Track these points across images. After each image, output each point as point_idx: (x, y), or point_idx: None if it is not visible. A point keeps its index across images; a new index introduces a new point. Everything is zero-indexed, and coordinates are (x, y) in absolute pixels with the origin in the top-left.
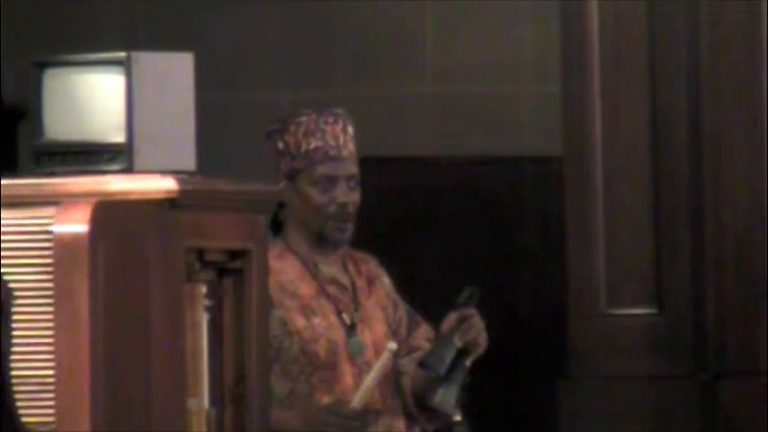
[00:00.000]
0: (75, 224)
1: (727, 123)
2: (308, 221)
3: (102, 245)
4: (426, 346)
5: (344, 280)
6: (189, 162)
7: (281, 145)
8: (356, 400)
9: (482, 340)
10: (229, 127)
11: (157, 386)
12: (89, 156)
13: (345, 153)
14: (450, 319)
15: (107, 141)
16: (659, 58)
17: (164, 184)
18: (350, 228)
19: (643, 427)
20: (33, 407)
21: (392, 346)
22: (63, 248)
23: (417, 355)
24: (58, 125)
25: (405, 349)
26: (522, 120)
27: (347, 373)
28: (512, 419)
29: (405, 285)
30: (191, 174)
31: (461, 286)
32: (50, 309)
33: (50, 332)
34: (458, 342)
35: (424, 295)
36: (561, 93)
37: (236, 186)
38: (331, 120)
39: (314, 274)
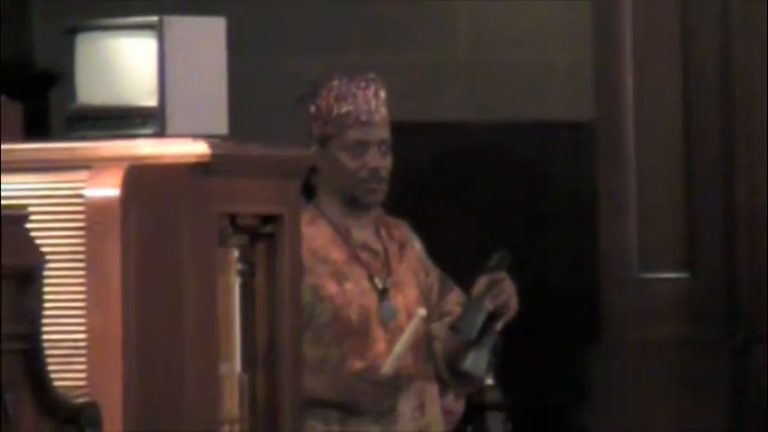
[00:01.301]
0: (107, 188)
1: (760, 86)
2: (339, 186)
3: (133, 209)
4: (458, 310)
5: (377, 245)
6: (221, 126)
7: (312, 109)
8: (387, 367)
9: (513, 303)
10: (260, 94)
11: (190, 350)
12: (121, 120)
13: (377, 118)
14: (481, 282)
15: (139, 105)
16: (691, 23)
17: (196, 149)
18: (382, 191)
19: (674, 392)
20: (65, 371)
21: (422, 311)
22: (94, 212)
23: (449, 319)
24: (90, 90)
25: (437, 314)
26: (554, 86)
27: (380, 338)
28: (543, 384)
29: (435, 249)
30: (222, 138)
31: (492, 251)
32: (82, 273)
33: (82, 296)
34: (489, 305)
35: (455, 259)
36: (593, 58)
37: (268, 151)
38: (363, 84)
39: (346, 239)
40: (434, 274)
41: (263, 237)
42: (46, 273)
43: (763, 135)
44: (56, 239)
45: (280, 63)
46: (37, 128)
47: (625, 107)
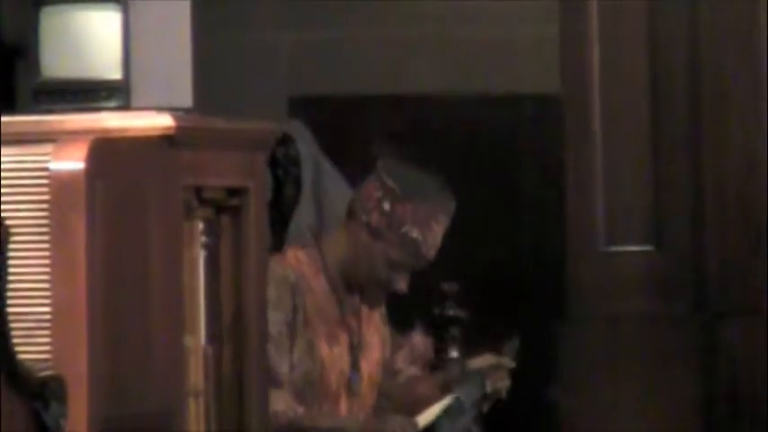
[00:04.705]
0: (72, 161)
1: (728, 60)
2: (356, 270)
3: (98, 182)
4: (407, 369)
5: (357, 307)
6: (186, 99)
7: (386, 206)
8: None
9: (504, 394)
10: (228, 68)
11: (155, 323)
12: (86, 93)
13: (431, 255)
14: (489, 358)
15: (104, 79)
16: None
17: (161, 121)
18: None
19: (643, 366)
20: (30, 344)
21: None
22: (59, 186)
23: (439, 379)
24: (56, 63)
25: (386, 371)
26: (524, 61)
27: (344, 405)
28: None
29: None
30: (188, 111)
31: (459, 224)
32: (47, 246)
33: (47, 269)
34: (488, 387)
35: None
36: (560, 33)
37: (234, 124)
38: (442, 219)
39: (339, 301)
40: (388, 331)
41: (229, 210)
42: (11, 246)
43: (732, 107)
44: (21, 212)
45: (248, 37)
46: (3, 102)
47: (591, 81)
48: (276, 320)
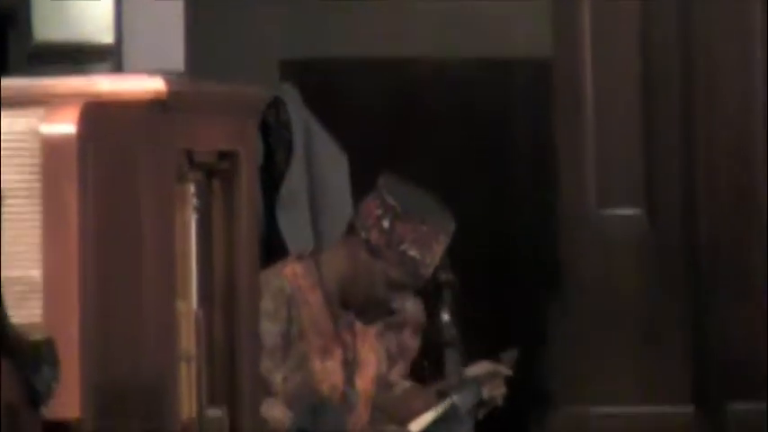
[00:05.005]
0: (63, 125)
1: (719, 26)
2: (353, 287)
3: (90, 145)
4: (402, 383)
5: (352, 323)
6: (177, 63)
7: (386, 223)
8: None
9: (500, 401)
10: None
11: (147, 287)
12: (78, 57)
13: (429, 273)
14: (486, 366)
15: (96, 43)
16: None
17: (152, 85)
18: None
19: (634, 330)
20: (22, 308)
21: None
22: (51, 150)
23: (435, 390)
24: (47, 28)
25: (382, 384)
26: (514, 25)
27: None
28: (501, 324)
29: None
30: (180, 75)
31: (451, 187)
32: (39, 210)
33: (39, 233)
34: (485, 394)
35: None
36: None
37: (226, 88)
38: (442, 239)
39: (335, 316)
40: (384, 347)
41: (220, 173)
42: (2, 209)
43: (723, 73)
44: (12, 176)
45: (239, 1)
46: None
47: (582, 46)
48: (271, 332)
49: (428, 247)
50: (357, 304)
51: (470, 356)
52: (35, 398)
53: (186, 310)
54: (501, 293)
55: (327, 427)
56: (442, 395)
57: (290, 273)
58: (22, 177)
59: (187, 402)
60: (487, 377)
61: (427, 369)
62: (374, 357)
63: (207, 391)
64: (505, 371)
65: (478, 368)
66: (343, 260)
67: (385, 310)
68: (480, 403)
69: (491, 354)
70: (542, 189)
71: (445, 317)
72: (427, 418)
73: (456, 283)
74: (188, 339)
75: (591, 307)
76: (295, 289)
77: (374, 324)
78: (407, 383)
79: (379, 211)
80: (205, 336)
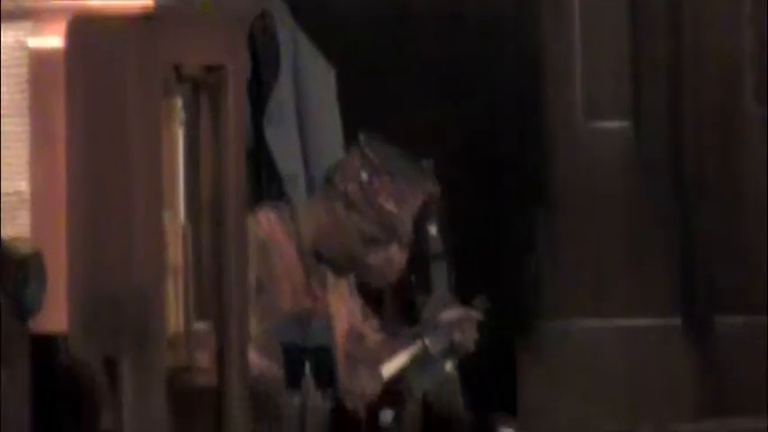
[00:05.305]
0: (51, 38)
1: None
2: (328, 241)
3: (77, 60)
4: (374, 335)
5: (324, 277)
6: None
7: (364, 176)
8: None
9: (470, 348)
10: None
11: (135, 201)
12: None
13: (404, 230)
14: (457, 311)
15: None
16: None
17: None
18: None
19: (620, 243)
20: (10, 222)
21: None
22: (39, 63)
23: (412, 330)
24: None
25: (356, 338)
26: None
27: None
28: (489, 234)
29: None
30: None
31: (437, 99)
32: (27, 124)
33: (27, 147)
34: (457, 336)
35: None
36: None
37: (214, 1)
38: (420, 196)
39: (307, 268)
40: (358, 302)
41: (208, 87)
42: None
43: None
44: (1, 90)
45: None
46: None
47: None
48: None
49: (405, 202)
50: (331, 257)
51: (457, 271)
52: (22, 312)
53: (174, 224)
54: (487, 207)
55: (315, 340)
56: (413, 338)
57: (264, 219)
58: (10, 91)
59: (174, 316)
60: (459, 322)
61: (414, 284)
62: (345, 311)
63: (194, 305)
64: (477, 316)
65: (450, 313)
66: (319, 212)
67: (360, 264)
68: (452, 348)
69: (477, 268)
70: (529, 102)
71: (432, 230)
72: (399, 360)
73: (444, 197)
74: (175, 253)
75: (577, 220)
76: (268, 236)
77: (346, 277)
78: (380, 336)
79: (357, 164)
80: (192, 249)
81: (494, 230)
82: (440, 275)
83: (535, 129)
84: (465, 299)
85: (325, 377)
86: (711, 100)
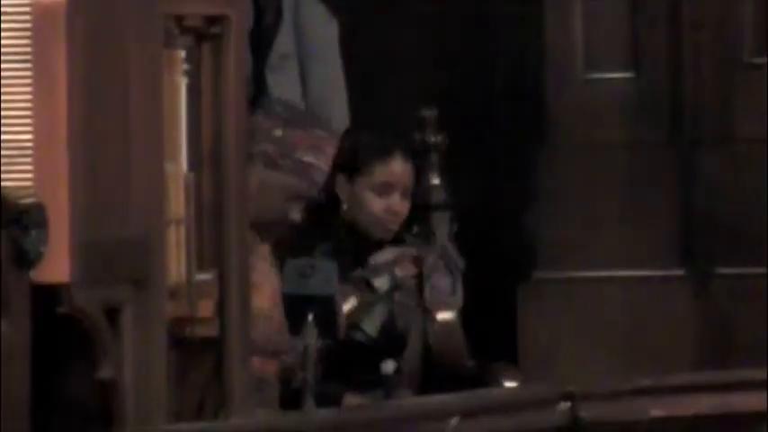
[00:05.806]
0: None
1: None
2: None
3: (79, 10)
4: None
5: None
6: None
7: (278, 132)
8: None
9: (413, 280)
10: None
11: (136, 150)
12: None
13: (323, 181)
14: (392, 250)
15: None
16: None
17: None
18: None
19: (620, 194)
20: (11, 171)
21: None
22: (41, 14)
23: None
24: None
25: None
26: None
27: None
28: (489, 186)
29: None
30: None
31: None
32: (29, 74)
33: (29, 97)
34: (398, 272)
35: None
36: None
37: None
38: (334, 143)
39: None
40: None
41: (210, 38)
42: None
43: None
44: (2, 41)
45: None
46: None
47: None
48: None
49: (322, 152)
50: (256, 217)
51: (459, 219)
52: (24, 261)
53: (175, 174)
54: (488, 156)
55: (316, 289)
56: (359, 282)
57: None
58: (11, 42)
59: (176, 266)
60: (396, 260)
61: (416, 233)
62: (272, 274)
63: (195, 255)
64: (412, 252)
65: (386, 254)
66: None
67: (284, 222)
68: (395, 285)
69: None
70: (530, 52)
71: (434, 180)
72: (348, 305)
73: (444, 146)
74: (177, 202)
75: (578, 171)
76: None
77: (268, 241)
78: None
79: (267, 123)
80: (194, 199)
81: (494, 181)
82: (441, 225)
83: (536, 78)
84: (466, 249)
85: (328, 326)
86: (711, 50)
